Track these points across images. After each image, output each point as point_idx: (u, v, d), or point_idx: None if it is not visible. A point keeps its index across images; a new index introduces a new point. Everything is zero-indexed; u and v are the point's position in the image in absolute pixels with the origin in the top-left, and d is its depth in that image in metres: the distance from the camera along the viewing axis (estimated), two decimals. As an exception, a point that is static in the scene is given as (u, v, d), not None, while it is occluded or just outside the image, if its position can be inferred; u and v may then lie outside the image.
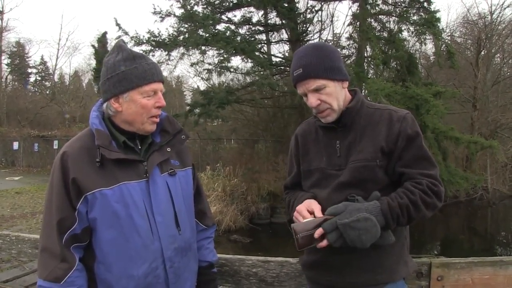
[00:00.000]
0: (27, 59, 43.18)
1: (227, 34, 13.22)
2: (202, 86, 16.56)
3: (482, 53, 19.27)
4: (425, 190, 1.64)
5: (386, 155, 1.73)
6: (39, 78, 44.74)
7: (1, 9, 38.02)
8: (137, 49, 12.71)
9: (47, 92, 40.72)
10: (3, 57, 38.90)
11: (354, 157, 1.76)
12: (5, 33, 38.50)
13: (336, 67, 1.76)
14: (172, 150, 1.85)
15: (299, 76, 1.77)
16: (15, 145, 25.73)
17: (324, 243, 1.61)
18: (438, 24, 12.56)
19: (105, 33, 33.73)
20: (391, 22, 14.25)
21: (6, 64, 40.14)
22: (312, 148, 1.92)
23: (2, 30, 38.14)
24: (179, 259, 1.77)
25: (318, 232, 1.60)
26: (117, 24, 13.20)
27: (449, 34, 20.68)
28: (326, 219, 1.62)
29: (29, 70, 43.67)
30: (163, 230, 1.72)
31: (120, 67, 1.70)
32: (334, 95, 1.77)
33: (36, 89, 43.30)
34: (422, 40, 13.72)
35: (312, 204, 1.75)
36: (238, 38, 13.43)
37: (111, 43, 31.33)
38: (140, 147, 1.79)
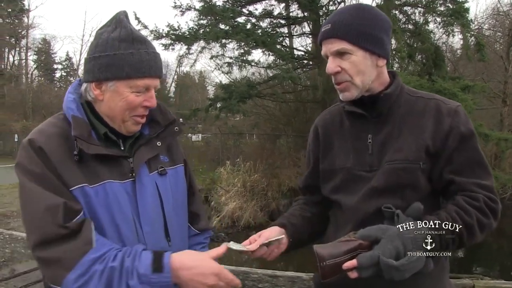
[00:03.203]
0: (52, 55, 43.96)
1: (247, 26, 13.00)
2: (224, 80, 16.43)
3: (514, 45, 18.56)
4: (482, 209, 1.33)
5: (432, 156, 1.41)
6: (64, 74, 45.59)
7: (27, 7, 38.77)
8: (156, 43, 12.66)
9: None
10: (29, 54, 39.72)
11: (390, 156, 1.44)
12: (30, 30, 39.29)
13: (373, 36, 1.44)
14: (162, 144, 1.56)
15: (325, 33, 1.47)
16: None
17: (354, 275, 1.27)
18: (467, 15, 12.07)
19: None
20: (417, 14, 13.78)
21: (33, 61, 40.95)
22: (336, 142, 1.60)
23: (28, 27, 38.92)
24: None
25: (349, 265, 1.26)
26: (136, 18, 13.07)
27: (477, 26, 19.99)
28: (361, 245, 1.28)
29: (55, 66, 44.50)
30: (151, 243, 1.44)
31: (113, 48, 1.38)
32: (360, 68, 1.44)
33: (62, 84, 44.08)
34: (450, 31, 13.22)
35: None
36: (259, 31, 13.20)
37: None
38: (123, 141, 1.50)
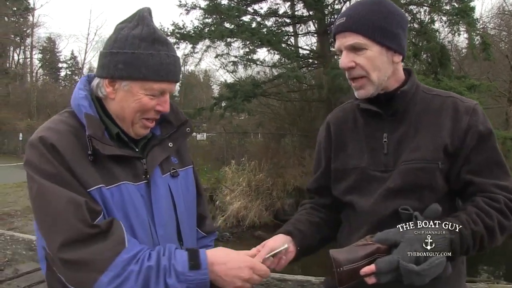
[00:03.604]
0: (57, 54, 44.04)
1: (252, 25, 12.99)
2: (229, 79, 16.41)
3: (519, 45, 18.47)
4: (503, 210, 1.28)
5: (450, 156, 1.36)
6: (69, 73, 45.65)
7: (33, 6, 38.84)
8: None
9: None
10: (34, 52, 39.82)
11: (407, 155, 1.38)
12: (35, 29, 39.40)
13: (389, 31, 1.38)
14: (174, 145, 1.51)
15: (339, 26, 1.41)
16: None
17: (371, 280, 1.22)
18: (473, 14, 12.00)
19: (131, 27, 33.91)
20: (422, 13, 13.70)
21: (38, 59, 41.05)
22: (350, 141, 1.54)
23: (33, 26, 38.98)
24: None
25: (367, 270, 1.21)
26: (142, 17, 13.10)
27: (482, 25, 19.89)
28: (379, 249, 1.24)
29: (60, 65, 44.56)
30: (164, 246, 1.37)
31: (132, 47, 1.30)
32: (375, 63, 1.38)
33: (67, 83, 44.16)
34: (456, 30, 13.15)
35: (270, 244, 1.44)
36: (264, 30, 13.17)
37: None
38: (135, 142, 1.44)
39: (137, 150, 1.43)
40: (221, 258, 1.32)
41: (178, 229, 1.47)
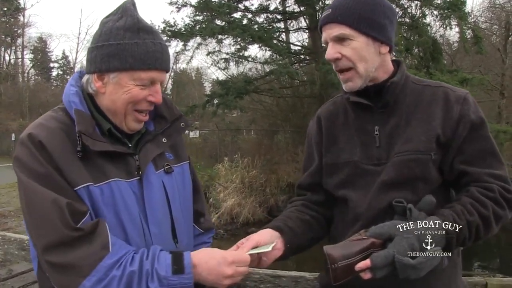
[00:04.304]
0: (49, 54, 43.83)
1: (243, 22, 12.95)
2: (221, 76, 16.39)
3: (511, 38, 18.53)
4: (498, 200, 1.27)
5: (442, 146, 1.35)
6: (61, 72, 45.45)
7: (23, 6, 38.63)
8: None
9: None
10: (25, 52, 39.63)
11: (399, 147, 1.37)
12: (26, 29, 39.20)
13: (375, 22, 1.38)
14: (168, 141, 1.48)
15: (325, 18, 1.40)
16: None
17: (367, 276, 1.20)
18: (464, 8, 12.01)
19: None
20: (413, 7, 13.70)
21: (29, 59, 40.87)
22: (341, 135, 1.52)
23: (24, 26, 38.78)
24: None
25: (362, 265, 1.19)
26: (133, 14, 13.03)
27: (473, 19, 19.95)
28: (374, 244, 1.21)
29: (51, 65, 44.37)
30: (158, 244, 1.34)
31: (117, 38, 1.29)
32: (362, 54, 1.37)
33: (59, 82, 43.97)
34: (447, 24, 13.16)
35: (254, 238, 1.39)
36: (255, 27, 13.13)
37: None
38: (128, 138, 1.41)
39: (130, 146, 1.40)
40: (203, 259, 1.29)
41: (173, 227, 1.44)
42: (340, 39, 1.38)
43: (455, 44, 20.02)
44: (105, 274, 1.18)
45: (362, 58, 1.38)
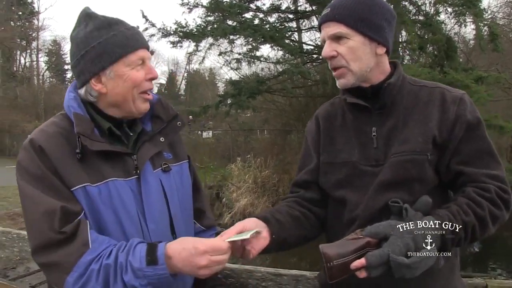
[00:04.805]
0: (63, 56, 44.39)
1: (255, 22, 12.94)
2: (234, 77, 16.44)
3: (528, 34, 18.22)
4: (494, 200, 1.28)
5: (439, 147, 1.36)
6: (75, 74, 46.12)
7: (37, 9, 39.23)
8: (164, 40, 12.77)
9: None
10: (40, 55, 40.25)
11: (396, 148, 1.39)
12: (41, 32, 39.81)
13: (373, 22, 1.40)
14: (165, 140, 1.53)
15: (324, 16, 1.43)
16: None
17: (362, 274, 1.21)
18: (480, 4, 11.84)
19: (135, 28, 34.25)
20: (427, 4, 13.56)
21: (44, 62, 41.48)
22: (339, 136, 1.53)
23: (39, 29, 39.37)
24: None
25: (358, 264, 1.20)
26: (144, 16, 13.08)
27: (490, 15, 19.66)
28: (369, 243, 1.23)
29: (66, 67, 44.93)
30: (156, 240, 1.35)
31: (95, 39, 1.37)
32: (357, 54, 1.40)
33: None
34: (462, 21, 12.99)
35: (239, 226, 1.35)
36: (267, 26, 13.12)
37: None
38: (130, 135, 1.47)
39: (127, 143, 1.46)
40: (176, 250, 1.27)
41: (171, 224, 1.48)
42: (337, 38, 1.42)
43: (471, 42, 19.74)
44: (85, 269, 1.23)
45: (357, 57, 1.42)
